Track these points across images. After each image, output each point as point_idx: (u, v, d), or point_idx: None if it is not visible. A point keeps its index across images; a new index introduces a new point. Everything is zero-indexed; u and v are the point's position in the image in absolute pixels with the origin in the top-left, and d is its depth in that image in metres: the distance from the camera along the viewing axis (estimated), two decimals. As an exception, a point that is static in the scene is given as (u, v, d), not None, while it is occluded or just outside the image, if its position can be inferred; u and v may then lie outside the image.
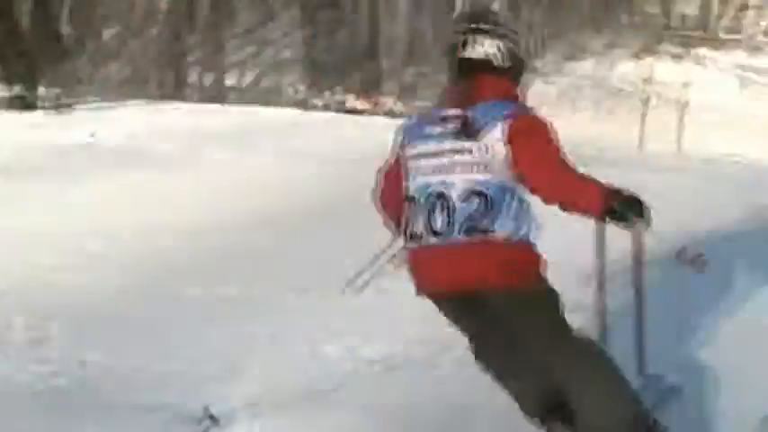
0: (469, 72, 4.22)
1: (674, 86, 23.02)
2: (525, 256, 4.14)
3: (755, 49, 24.70)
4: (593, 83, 24.02)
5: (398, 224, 4.36)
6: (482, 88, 4.20)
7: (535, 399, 4.32)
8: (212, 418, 4.89)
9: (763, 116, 20.58)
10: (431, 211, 4.17)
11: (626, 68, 24.24)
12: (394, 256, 4.63)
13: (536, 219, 4.14)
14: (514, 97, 4.26)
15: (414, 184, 4.27)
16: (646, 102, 20.08)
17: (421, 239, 4.22)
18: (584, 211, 4.10)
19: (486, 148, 4.08)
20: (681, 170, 9.30)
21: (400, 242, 4.38)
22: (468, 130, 4.12)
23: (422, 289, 4.31)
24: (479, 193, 4.07)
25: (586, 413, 4.15)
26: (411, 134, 4.35)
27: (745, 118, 20.66)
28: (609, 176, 4.20)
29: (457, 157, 4.14)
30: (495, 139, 4.07)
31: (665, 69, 23.96)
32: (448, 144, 4.17)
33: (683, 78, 23.41)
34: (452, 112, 4.20)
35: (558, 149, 4.08)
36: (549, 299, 4.20)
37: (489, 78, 4.21)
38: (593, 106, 23.18)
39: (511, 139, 4.06)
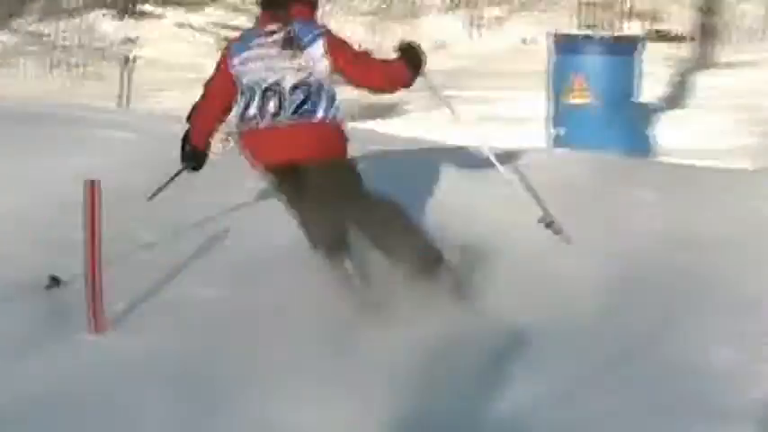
0: (282, 1, 5.66)
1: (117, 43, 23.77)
2: (336, 133, 5.67)
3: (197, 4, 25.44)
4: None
5: (210, 132, 5.98)
6: (295, 12, 5.66)
7: (325, 237, 5.72)
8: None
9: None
10: (265, 99, 5.62)
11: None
12: (227, 136, 6.36)
13: (341, 106, 5.65)
14: (314, 20, 5.79)
15: (248, 79, 5.69)
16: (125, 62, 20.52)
17: (255, 121, 5.66)
18: (400, 81, 5.81)
19: (311, 57, 5.59)
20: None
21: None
22: (292, 42, 5.62)
23: (257, 162, 5.76)
24: (304, 87, 5.57)
25: (384, 246, 5.66)
26: (238, 48, 5.80)
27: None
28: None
29: (287, 62, 5.60)
30: (317, 51, 5.59)
31: (110, 26, 24.61)
32: (276, 50, 5.65)
33: (126, 34, 24.22)
34: (275, 27, 5.67)
35: (361, 51, 5.77)
36: (350, 164, 5.72)
37: (298, 5, 5.70)
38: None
39: (330, 51, 5.59)
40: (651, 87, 16.33)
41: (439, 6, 23.17)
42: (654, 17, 23.11)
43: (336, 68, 5.64)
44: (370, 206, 5.69)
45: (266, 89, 5.62)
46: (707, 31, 22.70)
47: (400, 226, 5.70)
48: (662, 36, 22.06)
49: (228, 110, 5.86)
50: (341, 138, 5.71)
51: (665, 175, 9.10)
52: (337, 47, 5.67)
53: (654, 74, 16.84)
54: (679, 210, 7.66)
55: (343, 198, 5.65)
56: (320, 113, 5.61)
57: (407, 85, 5.85)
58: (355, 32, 20.46)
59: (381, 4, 22.35)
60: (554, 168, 8.37)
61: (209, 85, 5.97)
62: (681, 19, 22.86)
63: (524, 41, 22.02)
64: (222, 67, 5.85)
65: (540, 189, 7.34)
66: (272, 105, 5.63)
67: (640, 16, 23.01)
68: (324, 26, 5.81)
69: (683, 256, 6.72)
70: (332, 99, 5.66)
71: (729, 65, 21.51)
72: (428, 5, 23.11)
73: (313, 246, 5.82)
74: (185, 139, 6.04)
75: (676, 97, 18.96)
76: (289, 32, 5.65)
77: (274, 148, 5.60)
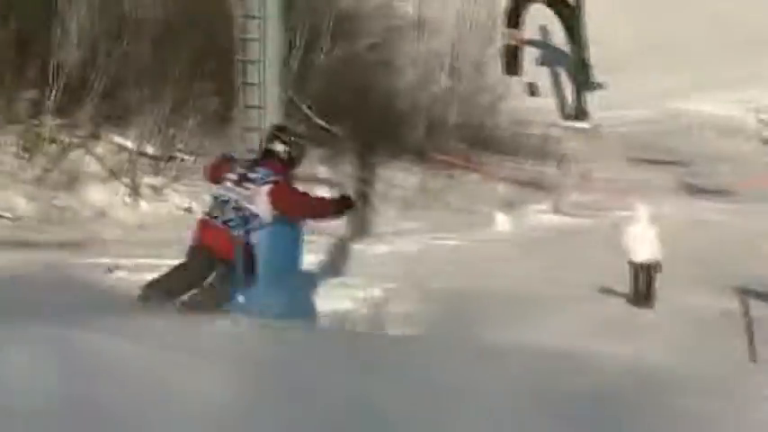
0: (268, 153, 9.11)
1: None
2: (238, 244, 9.03)
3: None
4: None
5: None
6: (267, 164, 8.99)
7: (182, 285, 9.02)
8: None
9: None
10: (216, 209, 9.12)
11: None
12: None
13: (255, 234, 9.07)
14: (284, 172, 9.04)
15: (216, 191, 9.10)
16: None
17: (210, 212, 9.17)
18: (326, 215, 9.47)
19: (255, 193, 8.89)
20: None
21: None
22: (246, 181, 8.91)
23: (194, 240, 9.14)
24: (240, 209, 8.99)
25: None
26: (221, 164, 9.33)
27: None
28: None
29: (242, 188, 8.94)
30: (262, 192, 8.86)
31: None
32: (244, 182, 8.91)
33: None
34: (241, 170, 9.04)
35: (295, 193, 9.01)
36: (229, 268, 9.06)
37: (272, 161, 9.03)
38: None
39: (272, 196, 8.82)
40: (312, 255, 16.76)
41: (100, 175, 23.00)
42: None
43: (276, 208, 8.99)
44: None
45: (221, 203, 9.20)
46: (364, 201, 23.60)
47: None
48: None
49: None
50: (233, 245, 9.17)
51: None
52: (280, 195, 8.96)
53: (315, 242, 17.31)
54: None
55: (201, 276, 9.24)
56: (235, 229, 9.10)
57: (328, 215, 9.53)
58: (12, 201, 20.01)
59: (42, 173, 21.95)
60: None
61: (210, 167, 9.76)
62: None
63: (188, 210, 22.12)
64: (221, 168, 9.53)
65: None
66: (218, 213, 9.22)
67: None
68: (282, 175, 9.06)
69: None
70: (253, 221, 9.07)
71: (386, 234, 22.42)
72: (88, 174, 22.89)
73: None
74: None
75: (337, 265, 19.49)
76: (246, 174, 9.08)
77: (207, 236, 9.17)
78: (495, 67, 38.42)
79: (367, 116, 25.72)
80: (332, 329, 12.11)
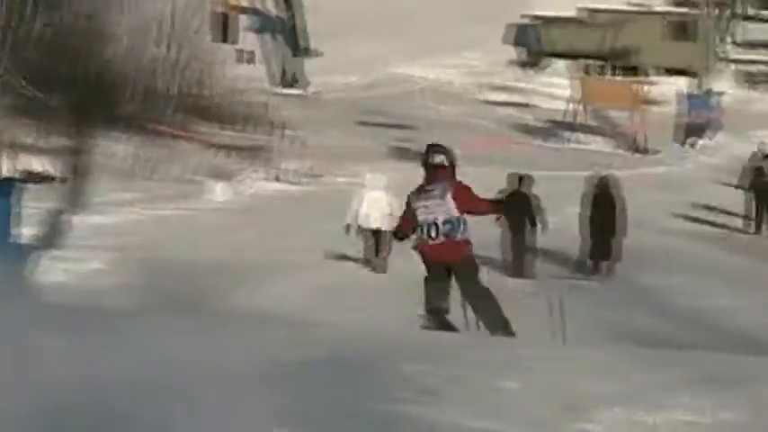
0: (434, 168, 10.20)
1: None
2: (466, 244, 10.03)
3: None
4: None
5: (406, 236, 10.36)
6: (438, 175, 10.20)
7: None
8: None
9: None
10: (429, 228, 10.11)
11: None
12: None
13: (468, 228, 10.18)
14: (453, 177, 10.29)
15: (422, 216, 10.12)
16: None
17: (425, 236, 10.10)
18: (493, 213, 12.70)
19: (447, 201, 10.03)
20: None
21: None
22: (439, 194, 10.09)
23: (426, 259, 10.09)
24: (448, 221, 10.03)
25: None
26: (415, 195, 10.30)
27: None
28: None
29: (438, 203, 10.10)
30: (448, 199, 9.98)
31: None
32: (434, 199, 10.13)
33: None
34: (429, 187, 10.18)
35: (470, 195, 10.26)
36: (474, 262, 10.23)
37: (441, 171, 10.23)
38: None
39: (455, 196, 10.04)
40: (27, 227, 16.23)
41: None
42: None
43: (461, 208, 10.23)
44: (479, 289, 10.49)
45: (429, 223, 10.26)
46: (79, 171, 23.02)
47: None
48: (34, 177, 22.04)
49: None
50: (468, 247, 10.40)
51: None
52: (460, 193, 10.36)
53: (32, 214, 16.79)
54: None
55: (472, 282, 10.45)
56: (458, 235, 10.22)
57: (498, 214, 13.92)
58: None
59: None
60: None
61: (400, 221, 10.90)
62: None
63: None
64: (407, 208, 10.51)
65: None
66: (433, 233, 10.20)
67: (9, 156, 22.89)
68: (454, 179, 10.46)
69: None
70: (463, 225, 10.28)
71: (103, 205, 21.96)
72: None
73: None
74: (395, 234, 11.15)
75: (52, 236, 18.94)
76: (434, 190, 10.31)
77: (433, 253, 10.30)
78: (209, 34, 38.16)
79: (82, 86, 25.09)
80: (54, 304, 11.80)
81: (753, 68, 41.07)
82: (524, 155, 30.93)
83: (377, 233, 19.40)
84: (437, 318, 10.23)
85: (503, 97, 39.34)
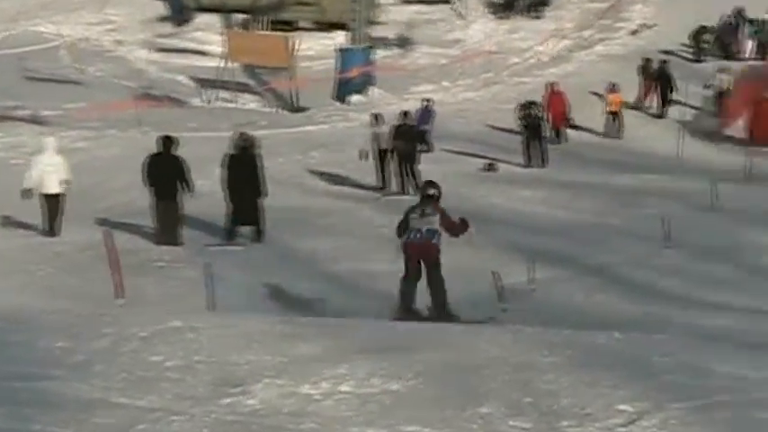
0: (428, 196, 15.00)
1: None
2: (437, 248, 14.55)
3: None
4: None
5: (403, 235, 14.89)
6: (429, 201, 14.91)
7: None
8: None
9: None
10: (418, 232, 14.74)
11: None
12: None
13: (441, 236, 14.67)
14: (438, 202, 15.01)
15: (413, 224, 14.73)
16: None
17: (412, 237, 14.72)
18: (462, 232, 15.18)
19: (433, 220, 14.66)
20: None
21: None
22: (426, 213, 14.73)
23: (407, 257, 14.76)
24: (429, 230, 14.67)
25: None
26: (411, 212, 14.86)
27: None
28: None
29: (425, 219, 14.70)
30: (435, 218, 14.65)
31: None
32: (423, 216, 14.78)
33: None
34: (421, 207, 14.85)
35: (449, 218, 14.88)
36: (439, 261, 14.54)
37: (431, 198, 14.97)
38: None
39: (441, 220, 14.69)
40: None
41: None
42: None
43: (441, 225, 14.70)
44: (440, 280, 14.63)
45: (416, 229, 14.70)
46: None
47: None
48: None
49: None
50: (439, 249, 14.63)
51: None
52: (442, 216, 14.76)
53: None
54: None
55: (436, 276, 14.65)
56: (435, 240, 14.59)
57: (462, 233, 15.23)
58: None
59: None
60: None
61: (399, 222, 15.04)
62: None
63: None
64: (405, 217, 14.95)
65: None
66: (419, 235, 14.64)
67: None
68: (438, 206, 14.88)
69: None
70: (439, 234, 14.66)
71: None
72: None
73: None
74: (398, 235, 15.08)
75: None
76: (424, 210, 14.79)
77: (414, 249, 14.76)
78: None
79: None
80: None
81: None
82: (171, 115, 30.92)
83: (53, 198, 19.39)
84: (407, 313, 14.35)
85: (151, 56, 38.94)
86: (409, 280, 14.72)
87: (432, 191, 15.22)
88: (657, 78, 34.78)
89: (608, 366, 9.43)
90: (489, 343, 10.31)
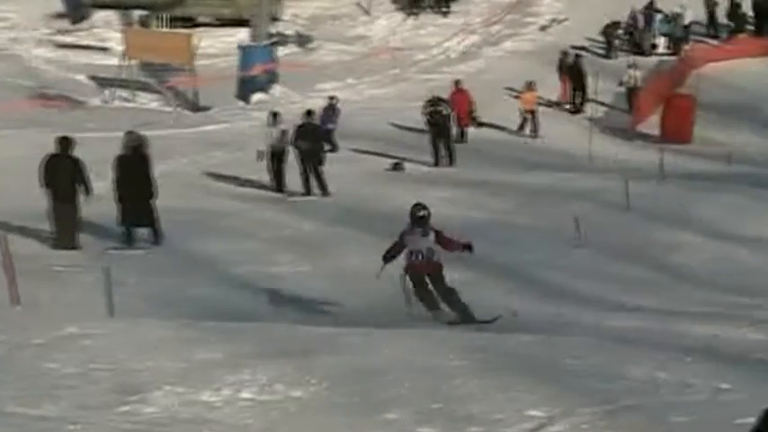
0: (419, 218, 15.19)
1: None
2: (438, 263, 15.08)
3: None
4: None
5: (393, 258, 15.35)
6: (421, 223, 15.19)
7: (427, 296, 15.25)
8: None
9: None
10: (417, 254, 15.14)
11: None
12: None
13: (440, 253, 15.07)
14: (429, 223, 15.34)
15: (411, 247, 15.15)
16: None
17: (414, 259, 15.12)
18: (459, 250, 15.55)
19: (430, 239, 15.10)
20: None
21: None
22: (424, 234, 15.12)
23: (413, 273, 14.98)
24: (429, 249, 15.11)
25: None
26: (406, 234, 15.22)
27: None
28: None
29: (423, 239, 15.10)
30: (431, 237, 15.09)
31: None
32: (420, 237, 15.18)
33: None
34: (418, 230, 15.20)
35: (445, 236, 15.26)
36: (442, 273, 15.11)
37: (423, 220, 15.18)
38: None
39: (437, 238, 15.13)
40: None
41: None
42: None
43: (438, 244, 15.07)
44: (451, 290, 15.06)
45: (417, 251, 15.06)
46: None
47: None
48: None
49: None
50: (441, 265, 15.08)
51: None
52: (439, 236, 15.11)
53: None
54: None
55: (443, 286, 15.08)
56: (436, 257, 15.03)
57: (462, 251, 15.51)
58: None
59: None
60: None
61: (392, 245, 15.29)
62: None
63: None
64: (400, 239, 15.20)
65: None
66: (420, 257, 15.02)
67: None
68: (430, 224, 15.23)
69: None
70: (437, 252, 15.01)
71: None
72: None
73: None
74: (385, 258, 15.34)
75: None
76: (423, 230, 15.10)
77: (420, 268, 14.99)
78: None
79: None
80: None
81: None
82: (70, 115, 30.58)
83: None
84: (439, 312, 14.96)
85: (49, 54, 38.41)
86: (421, 288, 15.16)
87: (422, 212, 15.49)
88: (569, 71, 35.17)
89: (518, 370, 9.46)
90: (393, 347, 10.28)
